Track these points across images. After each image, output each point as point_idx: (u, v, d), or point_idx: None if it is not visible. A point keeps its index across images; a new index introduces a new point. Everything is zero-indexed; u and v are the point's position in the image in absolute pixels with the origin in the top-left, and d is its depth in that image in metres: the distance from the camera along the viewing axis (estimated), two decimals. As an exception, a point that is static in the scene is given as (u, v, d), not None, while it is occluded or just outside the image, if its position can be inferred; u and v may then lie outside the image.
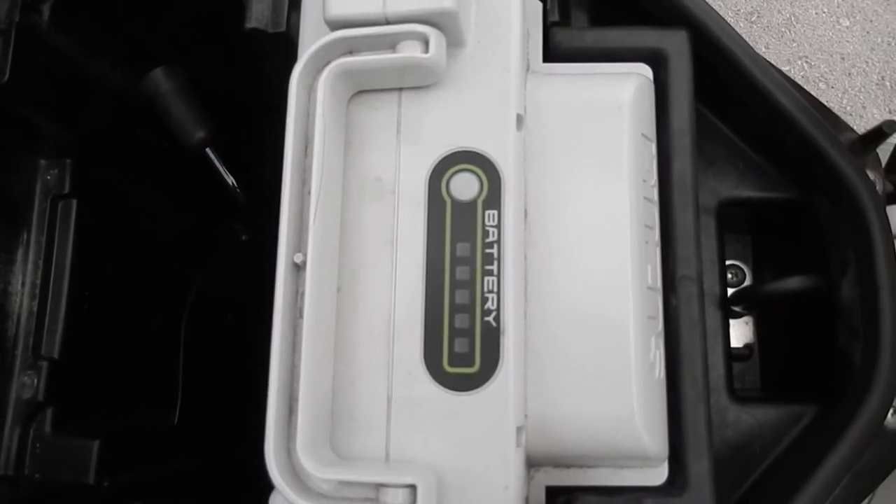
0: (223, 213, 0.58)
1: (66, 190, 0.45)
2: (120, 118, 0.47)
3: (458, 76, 0.31)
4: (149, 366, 0.50)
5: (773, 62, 1.38)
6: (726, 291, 0.40)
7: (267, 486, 0.28)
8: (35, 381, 0.43)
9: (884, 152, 0.44)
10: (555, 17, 0.36)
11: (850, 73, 1.26)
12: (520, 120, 0.30)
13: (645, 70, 0.34)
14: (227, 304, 0.59)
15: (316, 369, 0.27)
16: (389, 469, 0.26)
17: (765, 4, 1.29)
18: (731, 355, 0.39)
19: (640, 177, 0.31)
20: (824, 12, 1.29)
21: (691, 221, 0.33)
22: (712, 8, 0.34)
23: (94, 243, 0.45)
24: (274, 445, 0.26)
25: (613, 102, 0.32)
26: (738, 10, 1.28)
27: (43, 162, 0.45)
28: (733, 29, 0.35)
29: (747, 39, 1.20)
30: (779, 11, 1.29)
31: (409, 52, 0.29)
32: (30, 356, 0.43)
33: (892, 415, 0.35)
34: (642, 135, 0.32)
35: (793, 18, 1.29)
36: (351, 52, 0.30)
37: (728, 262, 0.45)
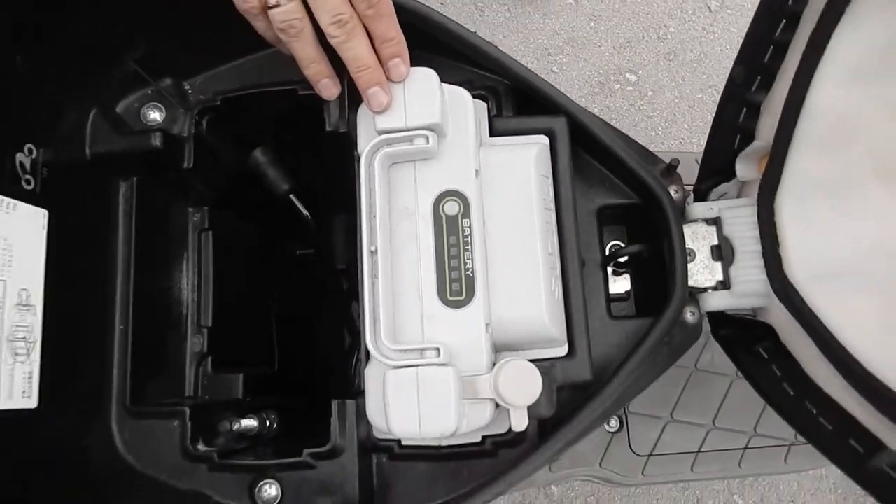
0: (286, 234, 0.86)
1: (206, 226, 0.72)
2: (236, 179, 0.76)
3: (444, 152, 0.59)
4: (257, 332, 0.78)
5: (689, 90, 1.70)
6: (605, 259, 0.69)
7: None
8: (201, 341, 0.70)
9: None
10: (493, 111, 0.65)
11: (750, 97, 1.56)
12: (477, 172, 0.59)
13: (544, 139, 0.63)
14: (295, 298, 0.87)
15: (385, 302, 0.55)
16: (426, 344, 0.54)
17: (680, 46, 1.59)
18: (610, 297, 0.68)
19: (543, 197, 0.60)
20: (727, 48, 1.60)
21: (572, 223, 0.61)
22: (579, 105, 0.63)
23: (223, 258, 0.73)
24: (370, 337, 0.54)
25: (527, 158, 0.61)
26: (658, 51, 1.58)
27: (191, 209, 0.73)
28: (593, 114, 0.64)
29: (667, 75, 1.62)
30: (691, 51, 1.59)
31: (419, 143, 0.57)
32: (196, 326, 0.70)
33: (692, 315, 0.64)
34: (543, 175, 0.61)
35: (702, 56, 1.59)
36: (389, 144, 0.58)
37: (613, 243, 0.74)
